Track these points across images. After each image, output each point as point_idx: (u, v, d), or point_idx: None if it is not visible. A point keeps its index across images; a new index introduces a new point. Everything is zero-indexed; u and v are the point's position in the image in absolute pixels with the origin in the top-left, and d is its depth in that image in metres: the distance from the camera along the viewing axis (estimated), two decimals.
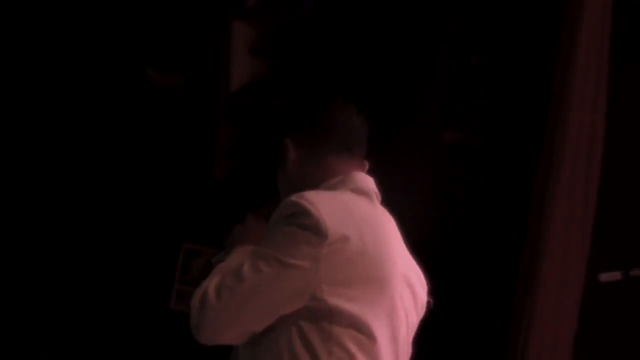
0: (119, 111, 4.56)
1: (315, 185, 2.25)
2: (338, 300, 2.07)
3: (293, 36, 4.22)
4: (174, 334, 4.39)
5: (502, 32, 3.97)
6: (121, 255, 4.60)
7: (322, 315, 2.08)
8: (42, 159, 4.63)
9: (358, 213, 2.15)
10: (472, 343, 3.97)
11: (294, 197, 2.10)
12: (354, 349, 2.10)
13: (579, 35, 3.66)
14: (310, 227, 2.04)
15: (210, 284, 2.07)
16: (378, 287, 2.14)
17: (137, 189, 4.58)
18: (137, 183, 4.57)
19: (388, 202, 2.33)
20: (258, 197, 2.55)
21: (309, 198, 2.08)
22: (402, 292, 2.24)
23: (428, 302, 2.37)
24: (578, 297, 3.88)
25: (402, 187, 3.50)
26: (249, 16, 4.17)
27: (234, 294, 2.04)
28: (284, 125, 2.34)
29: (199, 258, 4.50)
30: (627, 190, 3.97)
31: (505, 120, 4.00)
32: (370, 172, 2.36)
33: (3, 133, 4.62)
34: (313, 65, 4.17)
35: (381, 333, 2.15)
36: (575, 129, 3.71)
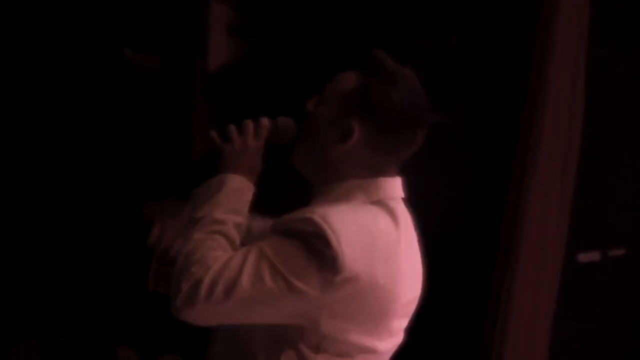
0: (95, 92, 4.54)
1: (349, 173, 2.15)
2: (333, 331, 2.04)
3: (271, 16, 4.21)
4: (152, 313, 4.40)
5: (480, 13, 3.96)
6: (98, 237, 4.59)
7: (307, 339, 2.05)
8: (20, 141, 4.61)
9: (378, 242, 2.04)
10: (450, 324, 3.98)
11: (317, 217, 1.98)
12: None
13: (557, 16, 3.66)
14: (327, 259, 1.95)
15: (206, 275, 1.96)
16: (378, 321, 2.10)
17: (114, 171, 4.56)
18: (114, 165, 4.56)
19: None
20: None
21: (333, 224, 1.97)
22: (400, 322, 2.22)
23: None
24: (557, 277, 3.88)
25: None
26: None
27: (228, 298, 1.96)
28: (358, 105, 2.15)
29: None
30: (605, 171, 3.98)
31: (484, 101, 4.00)
32: None
33: None
34: (292, 46, 4.16)
35: None
36: (554, 110, 3.71)
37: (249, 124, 2.29)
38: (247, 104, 4.23)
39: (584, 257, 4.01)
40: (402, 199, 2.25)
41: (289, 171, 2.32)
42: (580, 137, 3.80)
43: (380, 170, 2.18)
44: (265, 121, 2.29)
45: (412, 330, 2.33)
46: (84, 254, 4.60)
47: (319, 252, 1.96)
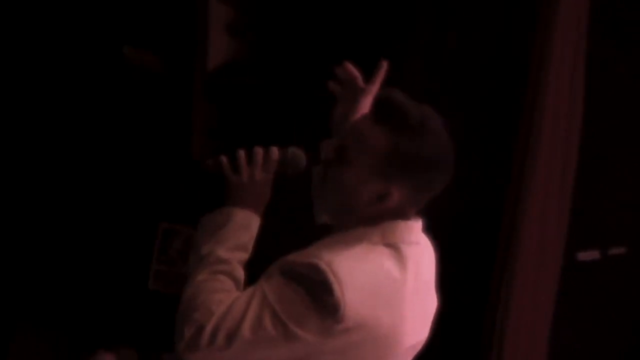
0: (95, 90, 4.53)
1: (376, 222, 2.09)
2: None
3: (271, 16, 4.20)
4: (152, 313, 4.40)
5: (480, 13, 3.96)
6: (99, 235, 4.59)
7: None
8: (19, 140, 4.61)
9: (382, 290, 2.02)
10: (450, 324, 3.98)
11: (323, 265, 1.95)
12: None
13: (557, 16, 3.66)
14: (329, 307, 1.93)
15: (209, 322, 1.96)
16: None
17: (114, 169, 4.56)
18: (114, 163, 4.55)
19: None
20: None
21: (339, 273, 1.94)
22: None
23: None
24: (556, 277, 3.88)
25: None
26: None
27: (229, 345, 1.96)
28: (395, 171, 2.07)
29: (176, 238, 4.49)
30: (605, 171, 3.98)
31: (484, 101, 4.00)
32: None
33: None
34: (291, 46, 4.15)
35: None
36: (553, 110, 3.72)
37: (259, 154, 2.24)
38: (246, 104, 4.23)
39: (583, 256, 4.01)
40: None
41: (297, 200, 2.29)
42: (580, 137, 3.80)
43: (401, 214, 2.14)
44: (275, 152, 2.22)
45: None
46: (84, 254, 4.60)
47: (322, 300, 1.94)
